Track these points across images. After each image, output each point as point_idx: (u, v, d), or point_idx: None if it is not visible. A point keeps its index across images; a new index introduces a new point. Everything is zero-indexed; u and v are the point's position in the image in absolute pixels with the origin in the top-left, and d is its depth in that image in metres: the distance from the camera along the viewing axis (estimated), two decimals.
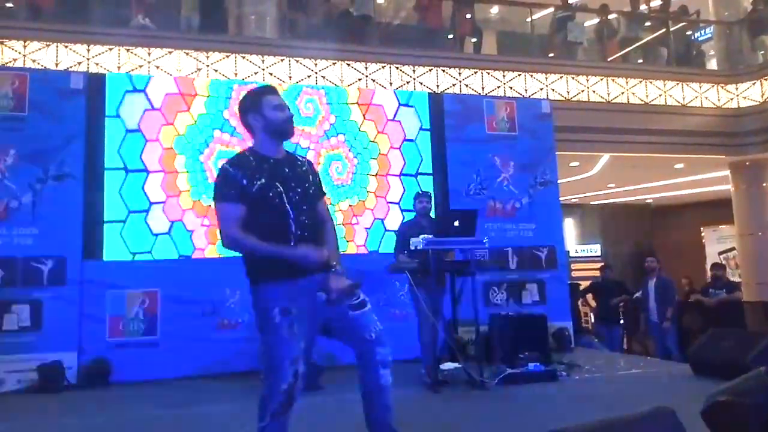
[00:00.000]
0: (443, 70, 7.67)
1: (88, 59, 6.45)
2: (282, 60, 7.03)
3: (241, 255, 2.47)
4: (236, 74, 6.83)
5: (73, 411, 4.28)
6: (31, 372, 5.09)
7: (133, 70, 6.49)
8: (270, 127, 2.48)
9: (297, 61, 7.08)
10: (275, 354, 2.34)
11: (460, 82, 7.71)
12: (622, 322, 8.64)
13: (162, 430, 3.69)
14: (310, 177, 2.56)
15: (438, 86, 7.56)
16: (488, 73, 7.86)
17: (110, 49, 6.52)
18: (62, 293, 5.34)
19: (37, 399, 4.81)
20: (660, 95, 8.70)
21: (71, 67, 6.35)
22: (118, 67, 6.48)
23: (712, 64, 10.15)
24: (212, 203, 2.51)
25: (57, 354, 5.19)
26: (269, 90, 2.62)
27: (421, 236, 4.64)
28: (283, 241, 2.38)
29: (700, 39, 10.63)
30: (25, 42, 6.33)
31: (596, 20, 9.57)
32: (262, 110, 2.48)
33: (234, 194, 2.37)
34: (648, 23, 10.13)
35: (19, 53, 6.30)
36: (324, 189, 2.68)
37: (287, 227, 2.40)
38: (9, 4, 7.40)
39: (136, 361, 5.45)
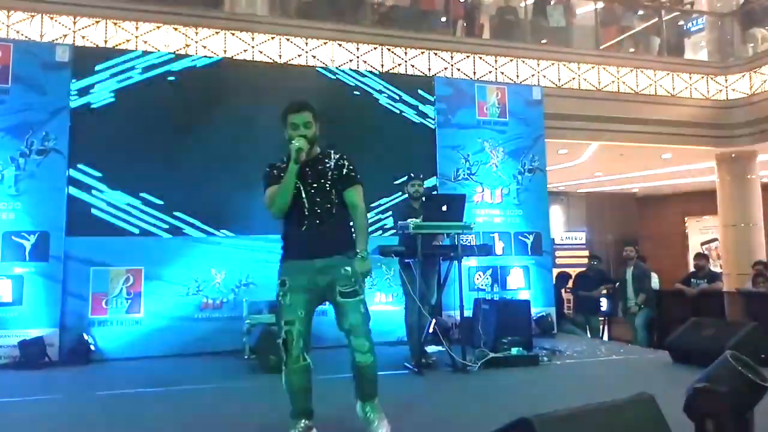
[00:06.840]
0: (435, 53, 7.62)
1: (74, 32, 6.32)
2: (272, 38, 6.94)
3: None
4: (225, 51, 6.73)
5: (56, 388, 4.25)
6: (11, 348, 5.06)
7: (120, 44, 6.37)
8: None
9: (288, 40, 6.99)
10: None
11: (452, 66, 7.67)
12: (603, 309, 8.72)
13: (148, 408, 3.67)
14: (329, 173, 2.88)
15: (429, 69, 7.51)
16: (480, 58, 7.82)
17: (97, 22, 6.39)
18: (45, 269, 5.29)
19: (18, 375, 4.77)
20: (650, 85, 8.72)
21: (57, 39, 6.22)
22: (105, 41, 6.36)
23: (703, 55, 10.19)
24: None
25: (39, 330, 5.16)
26: (288, 108, 2.89)
27: (410, 220, 4.63)
28: (297, 226, 2.84)
29: (692, 29, 10.64)
30: (8, 12, 6.18)
31: (590, 7, 9.52)
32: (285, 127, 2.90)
33: (264, 184, 2.94)
34: (641, 12, 10.12)
35: (2, 23, 6.15)
36: (351, 179, 2.92)
37: (301, 214, 2.85)
38: None
39: (119, 339, 5.43)
